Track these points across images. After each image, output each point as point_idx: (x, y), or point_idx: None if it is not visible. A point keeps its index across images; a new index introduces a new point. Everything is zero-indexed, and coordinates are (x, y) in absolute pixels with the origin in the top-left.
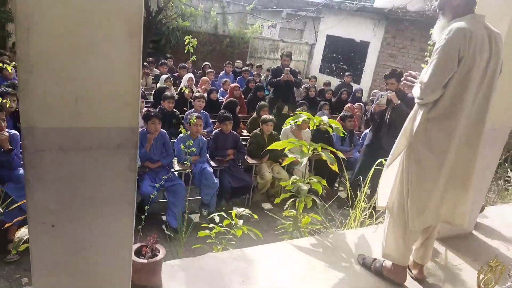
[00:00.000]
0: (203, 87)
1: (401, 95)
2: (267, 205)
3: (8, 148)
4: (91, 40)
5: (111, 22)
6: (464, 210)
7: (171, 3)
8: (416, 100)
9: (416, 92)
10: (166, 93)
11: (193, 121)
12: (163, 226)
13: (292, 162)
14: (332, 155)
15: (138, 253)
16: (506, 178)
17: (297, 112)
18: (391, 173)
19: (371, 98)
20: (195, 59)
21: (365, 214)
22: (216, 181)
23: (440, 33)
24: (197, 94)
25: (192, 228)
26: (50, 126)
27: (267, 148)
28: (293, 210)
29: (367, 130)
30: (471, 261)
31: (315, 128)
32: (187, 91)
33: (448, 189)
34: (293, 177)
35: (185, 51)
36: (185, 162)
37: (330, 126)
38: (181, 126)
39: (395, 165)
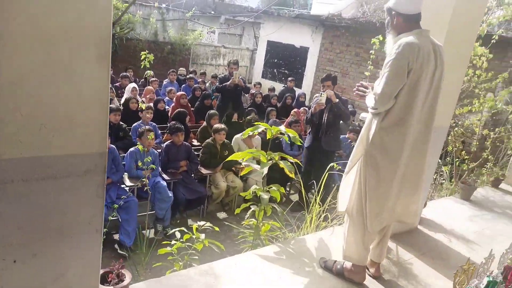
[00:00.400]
0: (147, 96)
1: (336, 95)
2: (222, 215)
3: None
4: (58, 65)
5: (80, 46)
6: (415, 208)
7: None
8: (370, 110)
9: (370, 102)
10: (111, 105)
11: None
12: (116, 246)
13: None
14: (289, 163)
15: (103, 280)
16: (440, 173)
17: (255, 123)
18: (350, 179)
19: (312, 102)
20: (151, 74)
21: (320, 217)
22: (170, 195)
23: (391, 47)
24: (143, 106)
25: (149, 245)
26: (13, 157)
27: (227, 159)
28: (253, 219)
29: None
30: (420, 255)
31: (271, 137)
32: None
33: (401, 190)
34: (253, 186)
35: (141, 67)
36: (143, 179)
37: (288, 136)
38: (131, 139)
39: (353, 172)
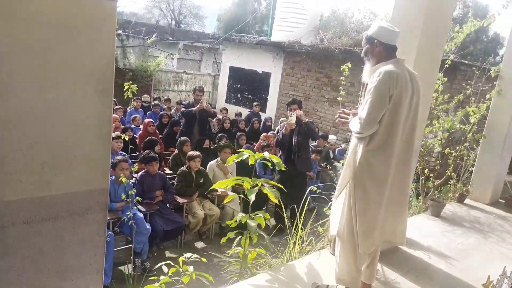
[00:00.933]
0: (113, 125)
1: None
2: (200, 244)
3: None
4: (60, 101)
5: (81, 81)
6: (402, 228)
7: None
8: (355, 135)
9: (355, 127)
10: None
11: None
12: None
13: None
14: (274, 189)
15: None
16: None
17: (240, 150)
18: (339, 203)
19: (279, 126)
20: (135, 105)
21: (304, 241)
22: (148, 227)
23: (368, 75)
24: (113, 135)
25: (130, 282)
26: (14, 199)
27: (212, 187)
28: (239, 248)
29: None
30: (404, 273)
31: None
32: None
33: (389, 211)
34: (240, 214)
35: (125, 98)
36: (128, 213)
37: (272, 162)
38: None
39: (342, 196)
